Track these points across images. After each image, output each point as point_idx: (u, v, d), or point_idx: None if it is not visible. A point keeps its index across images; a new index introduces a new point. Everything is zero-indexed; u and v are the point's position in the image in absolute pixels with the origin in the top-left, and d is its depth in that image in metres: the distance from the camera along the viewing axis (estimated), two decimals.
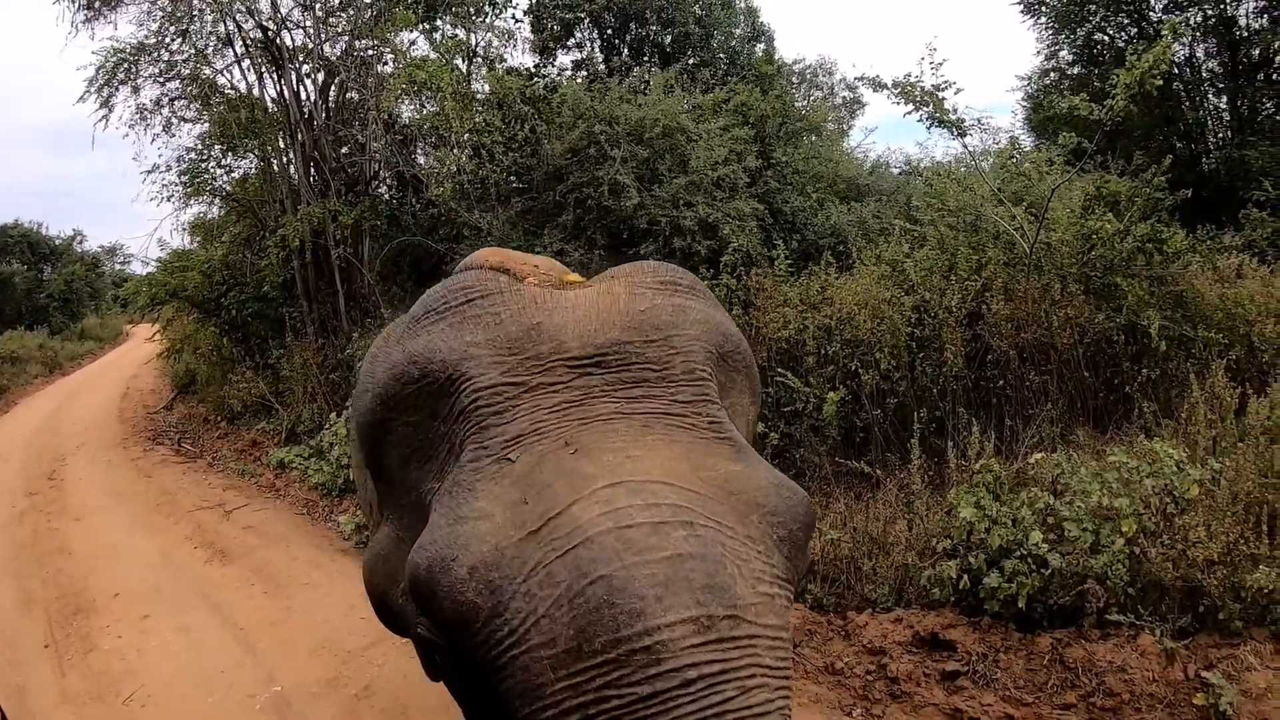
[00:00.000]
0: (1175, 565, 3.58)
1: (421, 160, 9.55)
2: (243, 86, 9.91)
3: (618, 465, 1.22)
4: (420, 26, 9.92)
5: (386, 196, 9.45)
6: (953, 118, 6.03)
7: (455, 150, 7.83)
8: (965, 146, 6.76)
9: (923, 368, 5.44)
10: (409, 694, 3.82)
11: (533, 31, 12.81)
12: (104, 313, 27.31)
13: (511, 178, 7.86)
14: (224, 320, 10.43)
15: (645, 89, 7.95)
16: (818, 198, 8.32)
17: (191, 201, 10.74)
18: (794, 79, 15.85)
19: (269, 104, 9.82)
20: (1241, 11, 11.27)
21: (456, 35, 10.13)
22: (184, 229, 11.37)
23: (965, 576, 3.88)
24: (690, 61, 12.75)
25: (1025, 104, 13.47)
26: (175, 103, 10.03)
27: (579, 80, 8.19)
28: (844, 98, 15.87)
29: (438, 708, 3.63)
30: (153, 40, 9.32)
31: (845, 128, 13.34)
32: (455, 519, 1.21)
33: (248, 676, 4.12)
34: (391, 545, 1.52)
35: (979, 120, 6.36)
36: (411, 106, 9.58)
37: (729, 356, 1.54)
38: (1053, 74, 13.00)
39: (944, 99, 5.94)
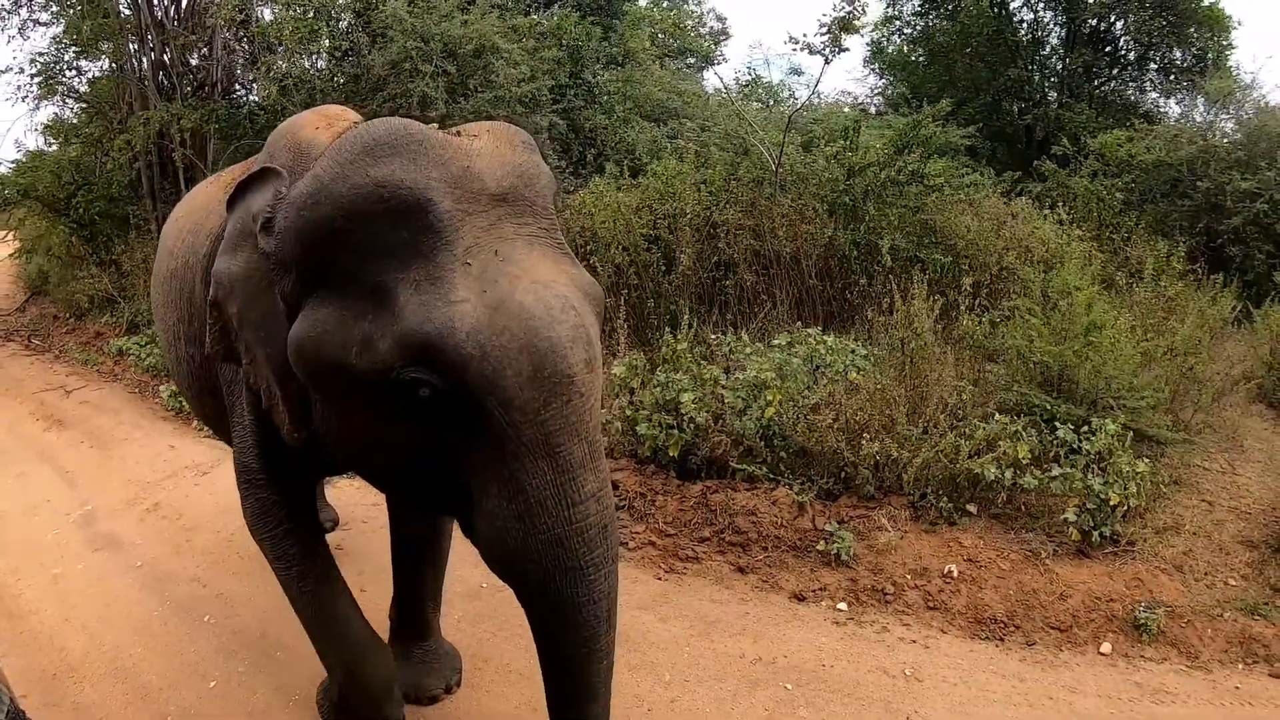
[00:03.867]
0: (818, 434, 4.56)
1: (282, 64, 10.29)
2: None
3: (531, 268, 1.92)
4: None
5: (225, 101, 10.19)
6: (702, 47, 7.19)
7: (282, 62, 8.71)
8: (719, 78, 7.94)
9: (657, 265, 6.65)
10: (186, 505, 5.13)
11: None
12: None
13: (337, 88, 8.78)
14: (73, 220, 11.08)
15: (471, 5, 8.91)
16: (623, 116, 9.48)
17: (45, 103, 11.35)
18: (665, 3, 16.78)
19: (122, 8, 10.38)
20: None
21: None
22: (38, 129, 11.94)
23: (617, 424, 5.02)
24: None
25: (868, 47, 14.63)
26: (32, 2, 10.57)
27: None
28: (711, 27, 16.96)
29: (209, 513, 4.94)
30: None
31: (713, 56, 14.34)
32: (448, 302, 1.81)
33: (66, 502, 5.31)
34: (335, 321, 1.95)
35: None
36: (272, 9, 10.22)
37: (555, 195, 2.36)
38: (895, 21, 14.08)
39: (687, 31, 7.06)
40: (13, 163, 12.11)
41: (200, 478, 5.39)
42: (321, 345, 1.97)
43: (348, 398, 2.02)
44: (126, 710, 3.31)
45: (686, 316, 5.73)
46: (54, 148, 12.21)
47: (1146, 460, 4.41)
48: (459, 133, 2.10)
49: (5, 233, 13.01)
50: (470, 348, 1.78)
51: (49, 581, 4.34)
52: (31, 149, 12.29)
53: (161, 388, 7.43)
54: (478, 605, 3.83)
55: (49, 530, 4.94)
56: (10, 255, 13.90)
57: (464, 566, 3.52)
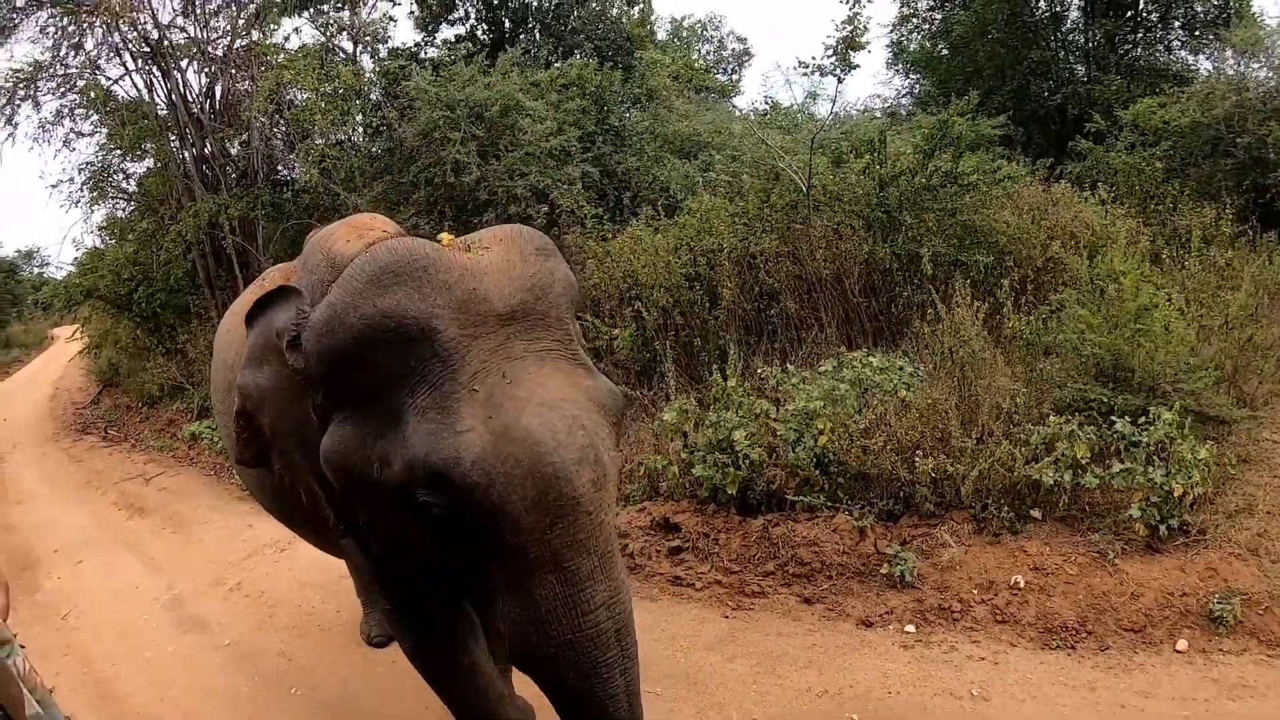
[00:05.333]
0: (872, 456, 4.56)
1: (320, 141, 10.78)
2: (134, 93, 11.14)
3: (539, 388, 1.97)
4: (303, 14, 11.20)
5: (267, 186, 10.70)
6: (718, 83, 7.35)
7: (319, 140, 9.17)
8: (738, 109, 8.10)
9: (702, 303, 6.73)
10: (267, 582, 5.37)
11: (418, 6, 13.99)
12: (26, 319, 27.86)
13: (374, 162, 9.20)
14: (136, 313, 11.76)
15: (490, 69, 9.26)
16: (653, 155, 9.68)
17: (96, 206, 12.13)
18: (683, 35, 17.09)
19: (160, 108, 11.04)
20: None
21: (338, 20, 11.46)
22: (95, 230, 12.73)
23: (674, 468, 5.10)
24: (567, 29, 13.99)
25: (889, 48, 14.52)
26: (74, 113, 11.29)
27: (426, 68, 9.44)
28: (733, 50, 17.22)
29: (289, 588, 5.17)
30: (48, 57, 10.55)
31: (729, 90, 14.58)
32: (454, 432, 1.87)
33: (153, 586, 5.59)
34: (356, 439, 2.05)
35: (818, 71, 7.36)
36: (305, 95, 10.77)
37: (573, 300, 2.27)
38: (912, 20, 13.99)
39: (704, 68, 7.22)
40: (73, 262, 12.92)
41: (279, 555, 5.64)
42: (347, 459, 2.09)
43: (378, 505, 2.13)
44: None
45: (734, 351, 5.79)
46: (111, 245, 12.90)
47: (1211, 443, 4.32)
48: (470, 245, 2.18)
49: (74, 331, 13.73)
50: (476, 476, 1.85)
51: (142, 664, 4.58)
52: (89, 248, 13.10)
53: (236, 471, 7.76)
54: None
55: (139, 615, 5.22)
56: (80, 352, 14.62)
57: None
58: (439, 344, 1.96)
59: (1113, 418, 4.45)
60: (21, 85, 10.67)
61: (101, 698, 4.30)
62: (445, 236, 2.30)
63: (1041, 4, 12.76)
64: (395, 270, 2.01)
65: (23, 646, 2.46)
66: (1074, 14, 12.79)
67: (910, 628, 3.95)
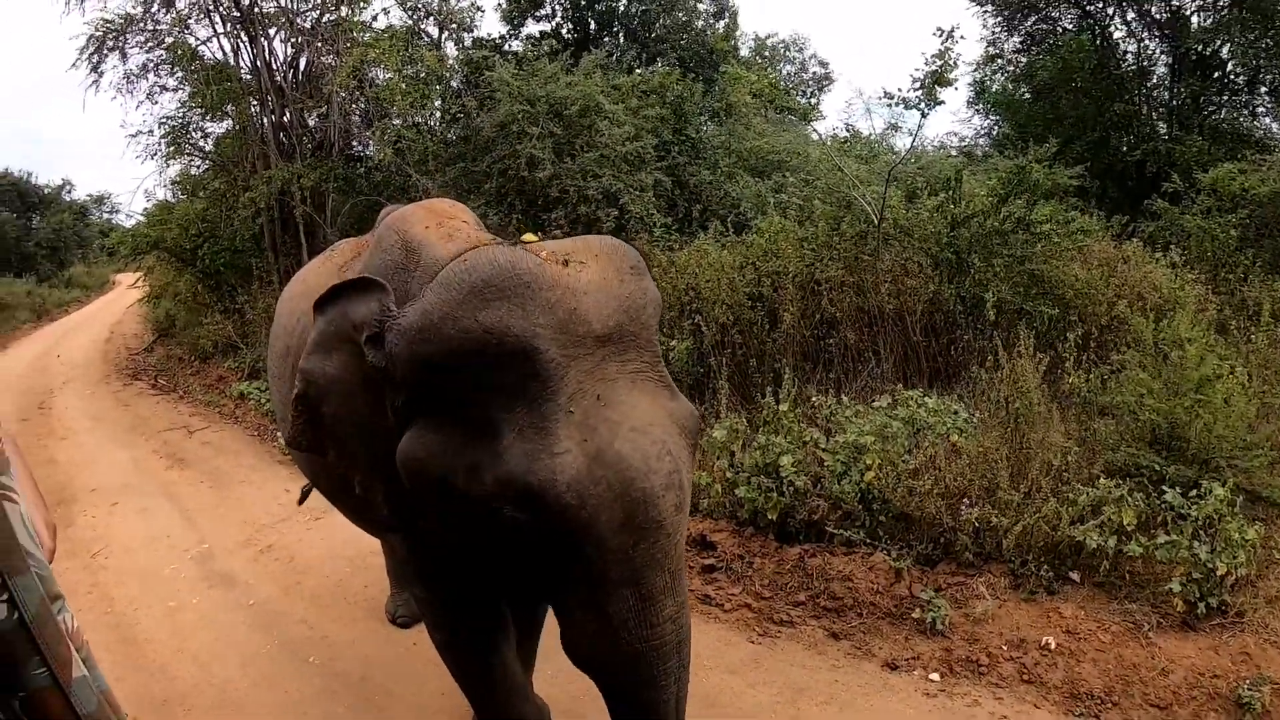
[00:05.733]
0: (917, 498, 4.49)
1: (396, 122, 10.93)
2: (220, 56, 11.36)
3: (630, 411, 2.01)
4: None
5: (341, 159, 10.84)
6: (800, 105, 7.30)
7: (397, 120, 9.28)
8: (816, 133, 8.03)
9: (761, 324, 6.68)
10: (299, 549, 5.40)
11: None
12: (91, 261, 28.55)
13: (448, 148, 9.28)
14: (199, 269, 12.02)
15: (573, 68, 9.31)
16: (726, 171, 9.66)
17: (172, 161, 12.33)
18: (765, 53, 17.08)
19: (244, 73, 11.25)
20: (1190, 7, 11.84)
21: (426, 4, 11.62)
22: (168, 184, 12.98)
23: (717, 486, 5.07)
24: (651, 36, 14.05)
25: (972, 87, 14.41)
26: (159, 68, 11.52)
27: (509, 60, 9.51)
28: (814, 73, 17.16)
29: (319, 557, 5.19)
30: (139, 10, 10.81)
31: (810, 114, 14.50)
32: (551, 454, 1.90)
33: (185, 538, 5.66)
34: (441, 446, 2.05)
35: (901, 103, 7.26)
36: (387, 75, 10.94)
37: (660, 318, 2.48)
38: (997, 60, 13.80)
39: (785, 89, 7.17)
40: (143, 212, 13.22)
41: (313, 522, 5.64)
42: (428, 464, 2.07)
43: (450, 510, 2.12)
44: None
45: (789, 375, 5.72)
46: (182, 200, 13.16)
47: (1260, 524, 4.19)
48: (567, 259, 2.14)
49: (136, 279, 14.03)
50: (570, 497, 1.88)
51: (165, 613, 4.65)
52: (160, 200, 13.37)
53: (279, 433, 7.84)
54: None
55: (167, 564, 5.30)
56: (140, 300, 14.97)
57: None
58: (539, 364, 1.95)
59: (1163, 487, 4.36)
60: (111, 36, 10.91)
61: (120, 640, 4.36)
62: (530, 236, 2.28)
63: (1129, 57, 12.63)
64: (498, 284, 2.00)
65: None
66: (1161, 69, 12.59)
67: (935, 676, 3.85)
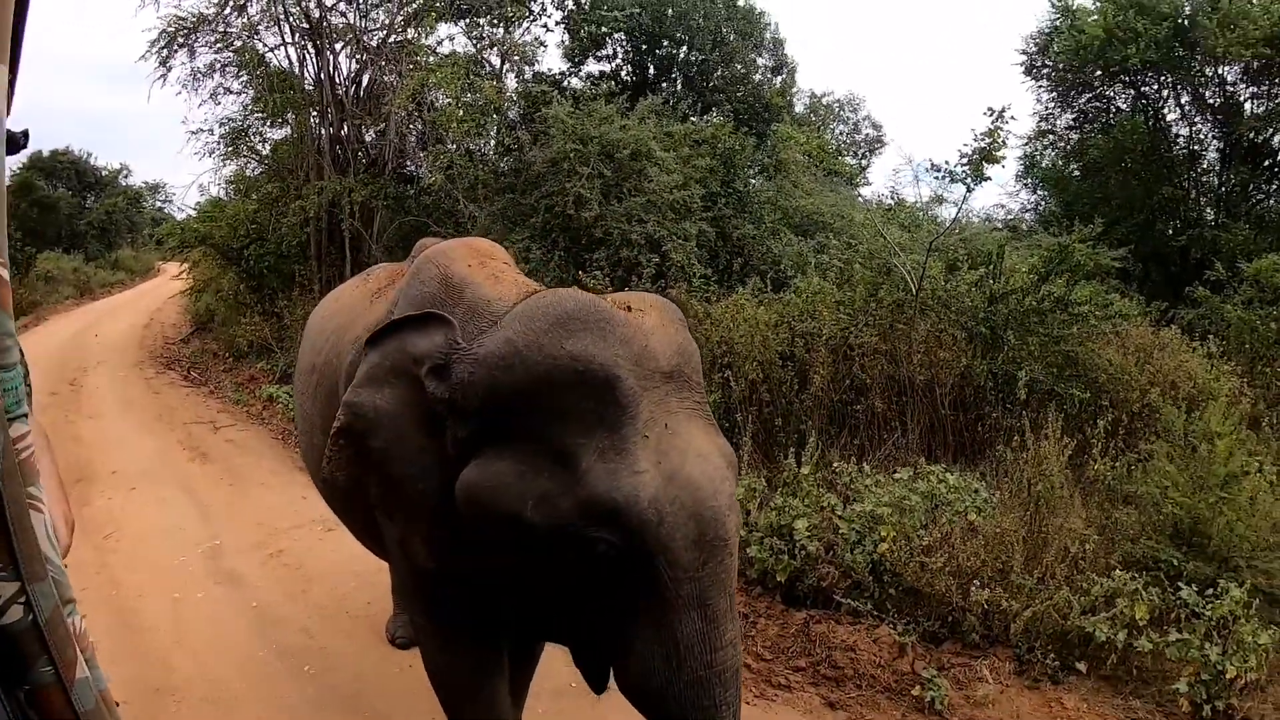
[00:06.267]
0: (928, 574, 4.50)
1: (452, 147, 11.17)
2: (286, 64, 11.70)
3: (692, 440, 2.14)
4: (459, 23, 11.68)
5: (393, 178, 11.07)
6: (847, 169, 7.36)
7: (451, 145, 9.49)
8: (861, 196, 8.07)
9: (790, 384, 6.65)
10: (308, 557, 5.44)
11: (569, 36, 14.45)
12: (139, 246, 29.08)
13: (499, 178, 9.46)
14: (243, 269, 12.23)
15: (629, 111, 9.48)
16: (771, 227, 9.74)
17: (229, 161, 12.69)
18: (820, 112, 17.28)
19: (307, 83, 11.59)
20: (1245, 94, 11.94)
21: (490, 35, 11.91)
22: (222, 182, 13.31)
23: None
24: (709, 85, 14.28)
25: (1021, 161, 14.42)
26: (225, 70, 11.87)
27: (567, 97, 9.70)
28: (867, 135, 17.32)
29: (328, 568, 5.23)
30: (213, 12, 11.17)
31: (857, 178, 14.63)
32: (633, 472, 2.01)
33: (198, 533, 5.74)
34: (514, 475, 2.11)
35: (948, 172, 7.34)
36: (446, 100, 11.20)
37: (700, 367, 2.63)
38: (1049, 135, 13.90)
39: (835, 150, 7.24)
40: (195, 206, 13.55)
41: (325, 533, 5.67)
42: (498, 495, 2.12)
43: (514, 543, 2.15)
44: None
45: (813, 439, 5.72)
46: (234, 200, 13.41)
47: (1275, 629, 4.08)
48: (629, 305, 2.31)
49: (181, 270, 14.32)
50: (651, 514, 1.99)
51: (168, 604, 4.71)
52: (213, 197, 13.62)
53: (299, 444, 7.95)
54: (562, 704, 3.86)
55: (177, 555, 5.37)
56: (182, 291, 15.26)
57: (554, 662, 3.54)
58: (620, 391, 2.08)
59: (1180, 583, 4.31)
60: (182, 33, 11.27)
61: (121, 625, 4.43)
62: (603, 298, 2.39)
63: (1180, 139, 12.64)
64: (581, 318, 2.14)
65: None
66: (1212, 154, 12.62)
67: None
